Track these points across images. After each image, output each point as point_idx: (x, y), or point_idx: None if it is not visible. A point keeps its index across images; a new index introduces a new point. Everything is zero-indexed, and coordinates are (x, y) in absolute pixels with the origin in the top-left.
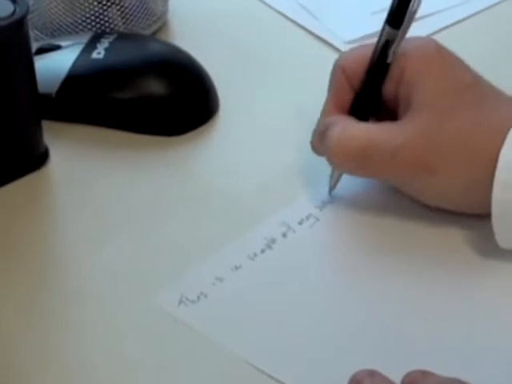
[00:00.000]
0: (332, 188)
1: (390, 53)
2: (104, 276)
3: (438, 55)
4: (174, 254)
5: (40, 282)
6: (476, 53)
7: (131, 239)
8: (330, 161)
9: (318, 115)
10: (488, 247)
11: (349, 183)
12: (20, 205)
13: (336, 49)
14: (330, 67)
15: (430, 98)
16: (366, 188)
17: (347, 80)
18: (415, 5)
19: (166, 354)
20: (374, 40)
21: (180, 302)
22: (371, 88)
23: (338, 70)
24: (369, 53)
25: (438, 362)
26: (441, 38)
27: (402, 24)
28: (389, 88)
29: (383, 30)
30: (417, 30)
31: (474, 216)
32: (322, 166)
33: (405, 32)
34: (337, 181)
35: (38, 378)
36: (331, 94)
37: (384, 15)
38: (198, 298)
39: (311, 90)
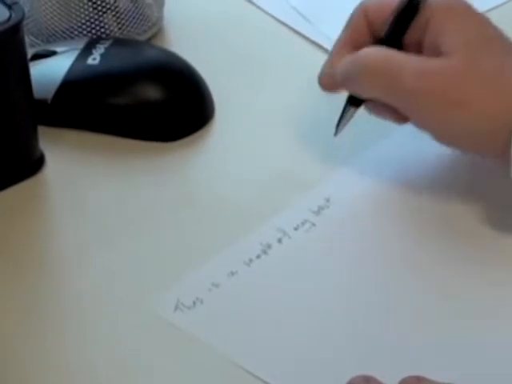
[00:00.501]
0: (340, 128)
1: None
2: (100, 281)
3: (465, 8)
4: (169, 260)
5: (36, 287)
6: None
7: (127, 244)
8: (356, 78)
9: (313, 120)
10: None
11: (345, 188)
12: (16, 210)
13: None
14: None
15: (458, 43)
16: (362, 193)
17: (366, 22)
18: None
19: (162, 360)
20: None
21: (176, 307)
22: (396, 31)
23: (360, 11)
24: (394, 1)
25: (437, 366)
26: None
27: None
28: (413, 35)
29: None
30: None
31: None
32: (319, 171)
33: None
34: (347, 121)
35: (34, 382)
36: (346, 32)
37: None
38: (194, 303)
39: (307, 94)
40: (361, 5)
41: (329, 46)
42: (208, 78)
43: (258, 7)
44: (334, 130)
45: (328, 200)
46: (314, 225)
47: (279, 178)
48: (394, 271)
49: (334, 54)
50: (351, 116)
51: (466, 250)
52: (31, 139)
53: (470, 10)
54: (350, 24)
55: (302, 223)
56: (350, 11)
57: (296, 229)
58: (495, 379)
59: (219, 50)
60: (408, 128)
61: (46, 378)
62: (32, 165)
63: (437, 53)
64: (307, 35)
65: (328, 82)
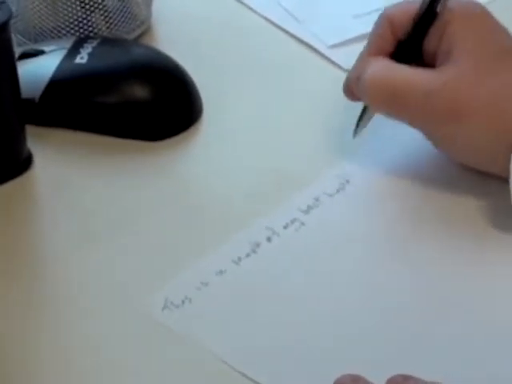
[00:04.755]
0: (358, 131)
1: (441, 2)
2: (89, 281)
3: (484, 17)
4: (158, 259)
5: (24, 287)
6: None
7: (115, 244)
8: (365, 98)
9: (302, 119)
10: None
11: (334, 188)
12: (4, 210)
13: (319, 53)
14: (313, 71)
15: (471, 53)
16: (351, 193)
17: (391, 29)
18: None
19: (150, 359)
20: (358, 43)
21: (164, 306)
22: (416, 36)
23: (384, 18)
24: (415, 6)
25: (425, 365)
26: None
27: None
28: (431, 40)
29: None
30: None
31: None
32: (308, 170)
33: None
34: (365, 125)
35: (17, 378)
36: (372, 39)
37: (366, 19)
38: (183, 302)
39: (295, 93)
40: (385, 12)
41: (318, 45)
42: (196, 77)
43: (247, 7)
44: (352, 131)
45: (317, 199)
46: (303, 224)
47: (268, 178)
48: (383, 270)
49: (360, 61)
50: (370, 117)
51: (459, 249)
52: (19, 138)
53: (488, 19)
54: (375, 31)
55: (292, 222)
56: (340, 11)
57: (285, 227)
58: (482, 379)
59: (207, 49)
60: (400, 129)
61: (35, 377)
62: (20, 164)
63: (448, 58)
64: (297, 35)
65: (349, 91)
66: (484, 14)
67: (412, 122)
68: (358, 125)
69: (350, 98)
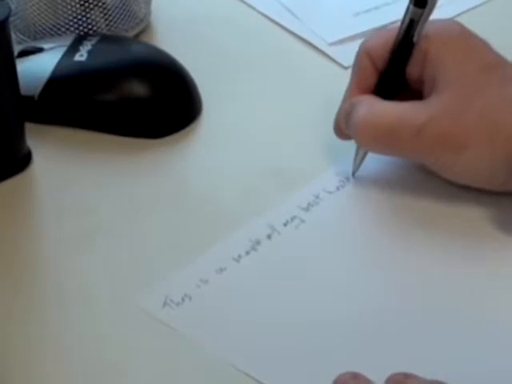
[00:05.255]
0: (356, 169)
1: (416, 31)
2: (88, 278)
3: (461, 36)
4: (158, 256)
5: (22, 283)
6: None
7: (115, 241)
8: (357, 140)
9: (301, 116)
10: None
11: (334, 185)
12: (2, 207)
13: (319, 50)
14: (313, 68)
15: (455, 77)
16: (352, 190)
17: (371, 62)
18: None
19: (150, 357)
20: (358, 40)
21: (164, 304)
22: (396, 67)
23: (363, 53)
24: (393, 35)
25: (425, 363)
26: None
27: (426, 3)
28: (413, 69)
29: (408, 9)
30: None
31: (498, 194)
32: (308, 168)
33: (431, 10)
34: (361, 161)
35: (17, 378)
36: (355, 76)
37: (366, 16)
38: (183, 299)
39: (294, 91)
40: (362, 45)
41: (318, 43)
42: (195, 75)
43: (247, 4)
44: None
45: (317, 196)
46: (303, 221)
47: (268, 175)
48: (382, 267)
49: (347, 100)
50: (365, 155)
51: (456, 246)
52: (18, 136)
53: (466, 39)
54: (356, 67)
55: (292, 219)
56: (340, 9)
57: (285, 225)
58: (483, 377)
59: (207, 47)
60: None
61: (35, 377)
62: (19, 162)
63: (434, 86)
64: (297, 32)
65: (340, 130)
66: (461, 34)
67: (407, 158)
68: (354, 163)
69: (342, 137)
